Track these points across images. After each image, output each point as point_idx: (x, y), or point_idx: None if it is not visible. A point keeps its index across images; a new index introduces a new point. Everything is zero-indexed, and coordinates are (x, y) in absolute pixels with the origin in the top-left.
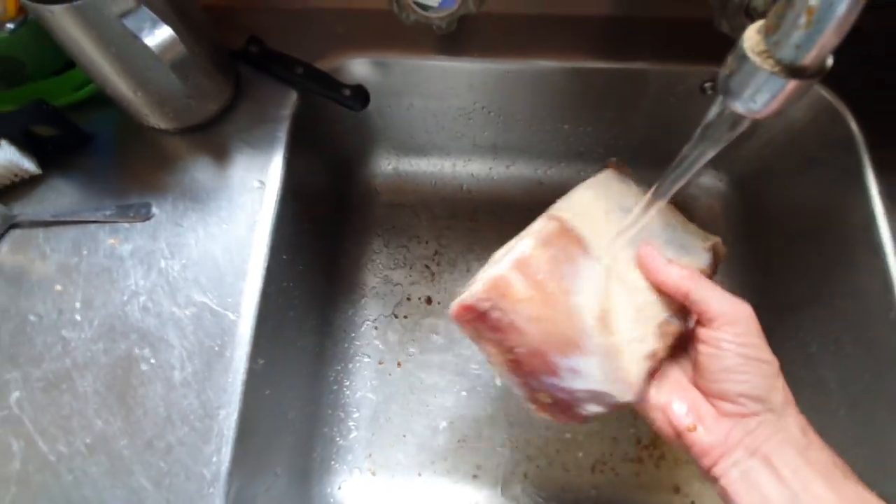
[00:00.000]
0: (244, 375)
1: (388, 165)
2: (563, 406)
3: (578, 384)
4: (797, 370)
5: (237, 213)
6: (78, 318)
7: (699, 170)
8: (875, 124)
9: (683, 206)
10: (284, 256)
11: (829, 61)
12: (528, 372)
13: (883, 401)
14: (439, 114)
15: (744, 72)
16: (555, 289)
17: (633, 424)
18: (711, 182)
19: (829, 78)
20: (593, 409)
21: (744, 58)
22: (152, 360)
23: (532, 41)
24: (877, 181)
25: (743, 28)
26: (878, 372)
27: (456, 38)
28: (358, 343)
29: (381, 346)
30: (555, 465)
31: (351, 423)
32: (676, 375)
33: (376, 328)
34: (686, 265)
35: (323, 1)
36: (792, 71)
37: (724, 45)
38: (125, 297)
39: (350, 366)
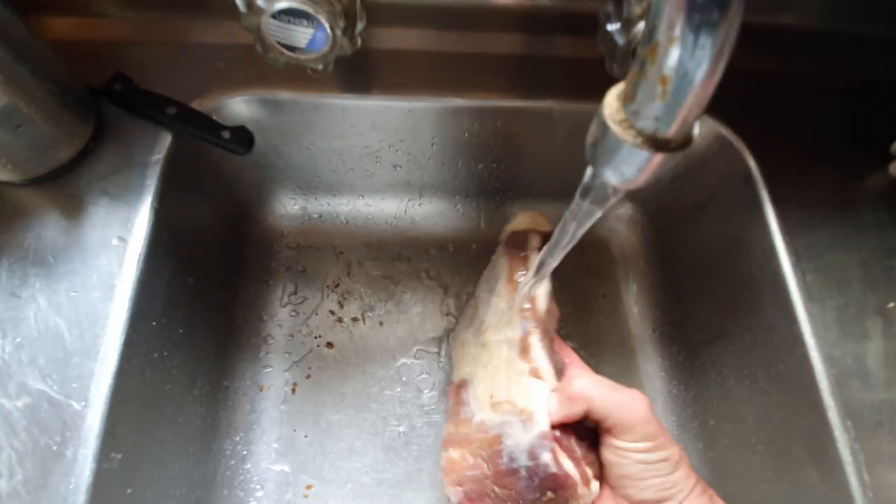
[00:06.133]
0: (90, 478)
1: (294, 206)
2: None
3: None
4: (717, 404)
5: (90, 278)
6: None
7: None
8: (771, 160)
9: (603, 240)
10: (155, 322)
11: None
12: None
13: (795, 437)
14: (344, 153)
15: (607, 141)
16: None
17: None
18: (630, 214)
19: (726, 115)
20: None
21: (604, 126)
22: None
23: (436, 79)
24: (776, 215)
25: None
26: (790, 407)
27: (355, 75)
28: (261, 407)
29: (287, 409)
30: None
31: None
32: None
33: (283, 387)
34: (584, 375)
35: (201, 35)
36: (655, 143)
37: None
38: None
39: (251, 435)
